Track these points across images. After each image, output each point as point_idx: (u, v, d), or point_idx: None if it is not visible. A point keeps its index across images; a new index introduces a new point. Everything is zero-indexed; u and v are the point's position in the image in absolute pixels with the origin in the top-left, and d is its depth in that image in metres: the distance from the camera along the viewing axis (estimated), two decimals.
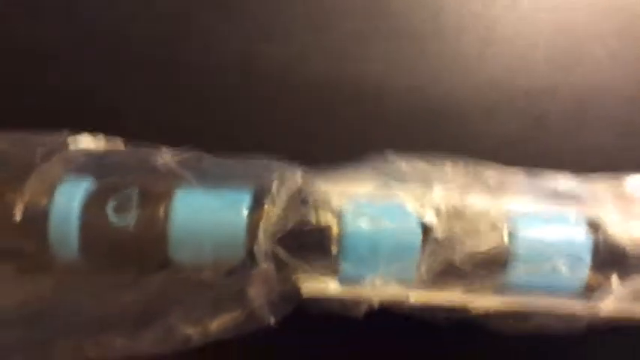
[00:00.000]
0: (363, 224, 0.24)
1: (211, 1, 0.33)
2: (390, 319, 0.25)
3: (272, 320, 0.24)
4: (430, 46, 0.33)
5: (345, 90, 0.31)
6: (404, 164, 0.27)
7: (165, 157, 0.26)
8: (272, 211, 0.24)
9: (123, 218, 0.24)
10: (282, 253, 0.24)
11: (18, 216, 0.24)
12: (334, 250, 0.24)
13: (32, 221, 0.24)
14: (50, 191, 0.24)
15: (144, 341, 0.25)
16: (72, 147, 0.26)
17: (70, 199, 0.24)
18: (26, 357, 0.25)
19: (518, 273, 0.24)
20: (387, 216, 0.25)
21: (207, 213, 0.25)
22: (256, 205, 0.25)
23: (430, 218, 0.24)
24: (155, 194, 0.25)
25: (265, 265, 0.24)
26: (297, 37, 0.32)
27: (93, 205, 0.24)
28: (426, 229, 0.24)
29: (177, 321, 0.25)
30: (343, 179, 0.26)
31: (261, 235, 0.24)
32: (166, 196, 0.25)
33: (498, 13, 0.33)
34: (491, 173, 0.27)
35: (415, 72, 0.32)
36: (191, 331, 0.25)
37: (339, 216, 0.25)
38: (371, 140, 0.30)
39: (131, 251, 0.25)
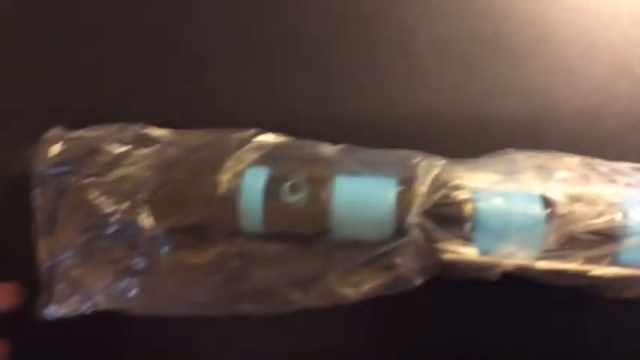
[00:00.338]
0: (494, 202, 0.29)
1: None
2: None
3: (418, 282, 0.30)
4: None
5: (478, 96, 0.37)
6: (525, 157, 0.32)
7: (327, 149, 0.32)
8: (419, 190, 0.30)
9: (295, 197, 0.30)
10: (428, 225, 0.29)
11: (218, 191, 0.30)
12: (470, 223, 0.29)
13: (226, 198, 0.30)
14: (240, 173, 0.31)
15: (310, 299, 0.31)
16: (256, 140, 0.32)
17: (255, 180, 0.31)
18: (215, 310, 0.31)
19: (629, 245, 0.29)
20: (515, 195, 0.30)
21: (363, 192, 0.30)
22: (404, 186, 0.30)
23: (553, 196, 0.29)
24: (320, 178, 0.31)
25: (413, 236, 0.29)
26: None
27: (272, 185, 0.30)
28: (549, 206, 0.29)
29: (337, 282, 0.30)
30: (474, 168, 0.31)
31: (410, 209, 0.29)
32: (329, 180, 0.31)
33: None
34: (602, 164, 0.31)
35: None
36: (348, 291, 0.30)
37: (473, 195, 0.30)
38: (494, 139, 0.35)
39: (301, 224, 0.30)
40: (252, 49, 0.37)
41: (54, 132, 0.32)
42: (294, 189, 0.30)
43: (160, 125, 0.33)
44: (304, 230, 0.31)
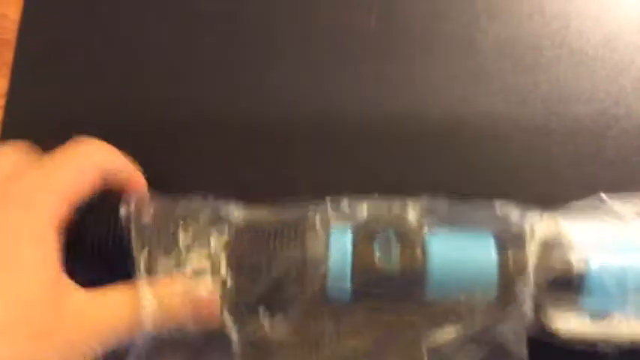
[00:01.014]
0: (608, 257, 0.27)
1: None
2: None
3: (524, 355, 0.26)
4: None
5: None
6: (622, 203, 0.29)
7: (412, 205, 0.29)
8: (527, 249, 0.27)
9: (387, 257, 0.27)
10: (536, 288, 0.26)
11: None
12: (580, 286, 0.26)
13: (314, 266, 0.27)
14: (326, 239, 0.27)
15: None
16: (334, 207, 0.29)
17: (342, 241, 0.27)
18: None
19: None
20: (628, 247, 0.27)
21: (460, 253, 0.27)
22: (502, 245, 0.27)
23: None
24: (410, 237, 0.27)
25: (518, 302, 0.26)
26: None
27: (361, 245, 0.27)
28: None
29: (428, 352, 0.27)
30: (574, 218, 0.28)
31: (518, 271, 0.27)
32: (420, 239, 0.27)
33: None
34: None
35: None
36: None
37: (581, 253, 0.27)
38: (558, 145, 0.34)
39: (395, 286, 0.27)
40: (301, 41, 0.37)
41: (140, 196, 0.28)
42: (384, 248, 0.27)
43: None
44: (398, 293, 0.27)
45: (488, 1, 0.37)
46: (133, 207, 0.27)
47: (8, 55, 0.35)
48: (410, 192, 0.29)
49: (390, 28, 0.37)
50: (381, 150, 0.35)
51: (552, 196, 0.30)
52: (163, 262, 0.26)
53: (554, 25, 0.37)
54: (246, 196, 0.29)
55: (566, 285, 0.26)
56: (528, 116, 0.35)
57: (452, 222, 0.28)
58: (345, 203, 0.29)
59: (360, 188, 0.29)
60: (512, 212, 0.28)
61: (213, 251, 0.27)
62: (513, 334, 0.26)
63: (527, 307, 0.26)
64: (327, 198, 0.29)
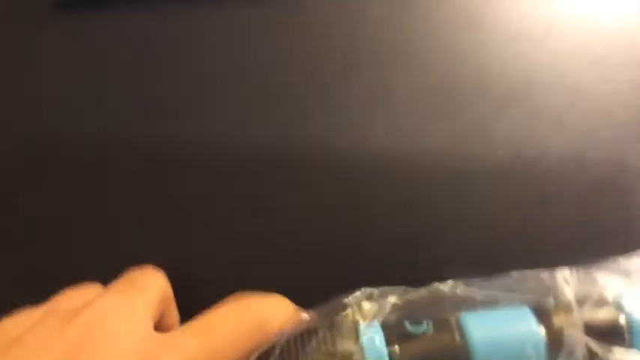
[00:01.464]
0: None
1: None
2: None
3: None
4: None
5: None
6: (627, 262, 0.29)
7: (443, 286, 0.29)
8: (567, 311, 0.26)
9: (419, 328, 0.27)
10: (590, 345, 0.26)
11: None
12: (628, 335, 0.26)
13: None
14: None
15: None
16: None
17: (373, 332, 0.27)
18: None
19: None
20: None
21: (501, 326, 0.27)
22: (543, 315, 0.27)
23: None
24: (443, 317, 0.27)
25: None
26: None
27: (392, 321, 0.27)
28: None
29: None
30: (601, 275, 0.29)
31: (561, 334, 0.26)
32: (454, 319, 0.27)
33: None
34: None
35: None
36: None
37: (622, 304, 0.27)
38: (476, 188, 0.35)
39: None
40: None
41: None
42: (416, 321, 0.27)
43: None
44: None
45: (403, 47, 0.39)
46: None
47: None
48: None
49: (308, 77, 0.39)
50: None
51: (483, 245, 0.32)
52: None
53: (469, 71, 0.38)
54: None
55: (615, 337, 0.26)
56: (441, 160, 0.36)
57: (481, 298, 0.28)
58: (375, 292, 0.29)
59: None
60: (542, 277, 0.28)
61: None
62: None
63: None
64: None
